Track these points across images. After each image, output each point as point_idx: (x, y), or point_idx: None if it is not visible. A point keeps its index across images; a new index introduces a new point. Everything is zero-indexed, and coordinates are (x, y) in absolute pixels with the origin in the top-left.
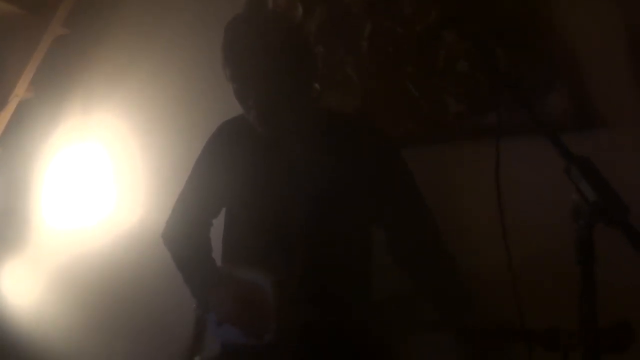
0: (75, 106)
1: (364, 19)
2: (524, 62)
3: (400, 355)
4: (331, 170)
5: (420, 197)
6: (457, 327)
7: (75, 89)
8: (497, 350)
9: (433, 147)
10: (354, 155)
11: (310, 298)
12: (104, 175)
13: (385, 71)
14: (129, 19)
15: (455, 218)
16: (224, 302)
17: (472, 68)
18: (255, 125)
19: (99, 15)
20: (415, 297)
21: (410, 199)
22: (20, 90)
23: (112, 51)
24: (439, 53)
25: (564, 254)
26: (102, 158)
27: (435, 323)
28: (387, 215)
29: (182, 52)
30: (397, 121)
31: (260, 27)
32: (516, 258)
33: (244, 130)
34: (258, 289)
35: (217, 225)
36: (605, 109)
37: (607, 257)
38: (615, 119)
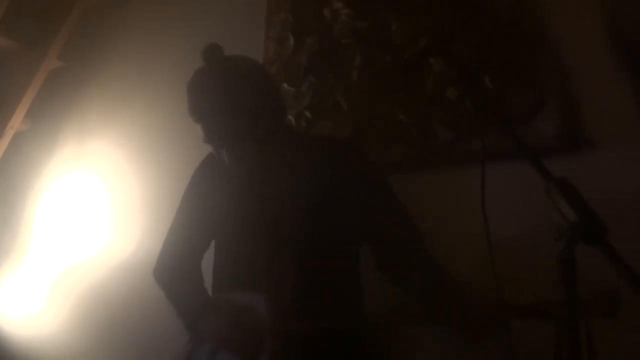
0: (71, 137)
1: (354, 49)
2: (511, 84)
3: None
4: (315, 190)
5: (402, 208)
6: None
7: (71, 121)
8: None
9: (422, 172)
10: (335, 174)
11: (304, 312)
12: (100, 205)
13: (374, 99)
14: (123, 51)
15: (443, 242)
16: (217, 325)
17: (460, 95)
18: (225, 161)
19: (93, 49)
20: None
21: (393, 211)
22: (15, 122)
23: (106, 83)
24: (427, 80)
25: (549, 274)
26: (97, 188)
27: (427, 313)
28: (372, 228)
29: (177, 83)
30: (386, 147)
31: (219, 71)
32: (504, 282)
33: None
34: (251, 308)
35: (208, 256)
36: (593, 131)
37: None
38: (603, 141)
